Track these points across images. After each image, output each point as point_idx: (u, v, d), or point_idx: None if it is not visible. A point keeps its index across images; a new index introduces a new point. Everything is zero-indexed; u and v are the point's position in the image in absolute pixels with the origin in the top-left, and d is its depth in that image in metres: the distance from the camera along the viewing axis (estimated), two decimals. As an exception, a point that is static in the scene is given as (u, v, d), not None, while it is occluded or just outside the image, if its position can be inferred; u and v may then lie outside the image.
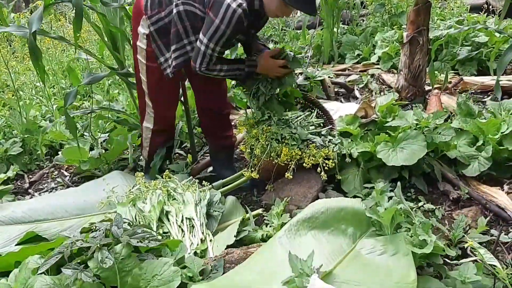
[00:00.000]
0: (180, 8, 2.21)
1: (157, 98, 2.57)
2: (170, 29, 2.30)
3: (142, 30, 2.37)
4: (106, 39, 2.82)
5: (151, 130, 2.68)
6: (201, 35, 2.15)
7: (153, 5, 2.30)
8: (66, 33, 5.31)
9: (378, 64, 4.73)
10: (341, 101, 4.07)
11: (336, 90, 4.23)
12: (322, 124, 2.72)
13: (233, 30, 2.09)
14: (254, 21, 2.31)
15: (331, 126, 2.71)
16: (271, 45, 5.55)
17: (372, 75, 4.50)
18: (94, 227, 1.81)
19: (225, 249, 1.93)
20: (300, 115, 2.70)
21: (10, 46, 5.87)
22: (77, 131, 3.44)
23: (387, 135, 2.58)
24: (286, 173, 2.36)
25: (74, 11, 2.40)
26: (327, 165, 2.35)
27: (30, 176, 3.17)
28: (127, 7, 2.81)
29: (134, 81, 2.75)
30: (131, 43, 2.65)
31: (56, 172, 3.20)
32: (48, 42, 4.90)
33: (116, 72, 2.79)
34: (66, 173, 3.19)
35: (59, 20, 5.00)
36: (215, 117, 2.74)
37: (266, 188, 2.56)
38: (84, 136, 3.34)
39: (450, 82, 3.78)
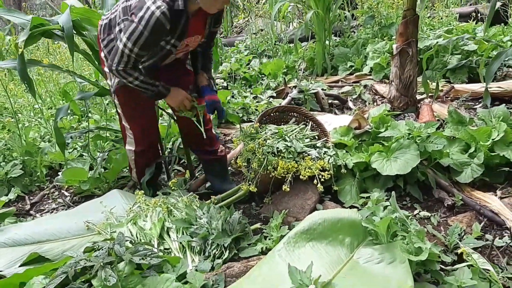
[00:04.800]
0: (121, 25, 2.23)
1: (132, 120, 2.58)
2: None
3: (102, 54, 2.40)
4: (96, 63, 2.89)
5: (134, 152, 2.69)
6: (121, 34, 2.14)
7: (105, 29, 2.33)
8: (63, 54, 5.38)
9: (370, 75, 4.79)
10: (335, 113, 4.12)
11: (330, 102, 4.29)
12: (316, 137, 2.77)
13: (152, 33, 2.07)
14: (183, 26, 2.20)
15: (325, 138, 2.75)
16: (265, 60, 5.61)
17: (365, 86, 4.56)
18: (97, 246, 1.85)
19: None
20: (295, 128, 2.75)
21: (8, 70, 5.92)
22: (76, 151, 3.51)
23: (380, 146, 2.63)
24: (283, 185, 2.40)
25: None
26: (323, 177, 2.39)
27: (31, 198, 3.19)
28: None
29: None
30: None
31: (56, 193, 3.23)
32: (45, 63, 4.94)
33: (107, 90, 2.86)
34: (66, 193, 3.22)
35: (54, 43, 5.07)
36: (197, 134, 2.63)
37: (264, 200, 2.60)
38: (83, 156, 3.37)
39: (441, 91, 3.84)
